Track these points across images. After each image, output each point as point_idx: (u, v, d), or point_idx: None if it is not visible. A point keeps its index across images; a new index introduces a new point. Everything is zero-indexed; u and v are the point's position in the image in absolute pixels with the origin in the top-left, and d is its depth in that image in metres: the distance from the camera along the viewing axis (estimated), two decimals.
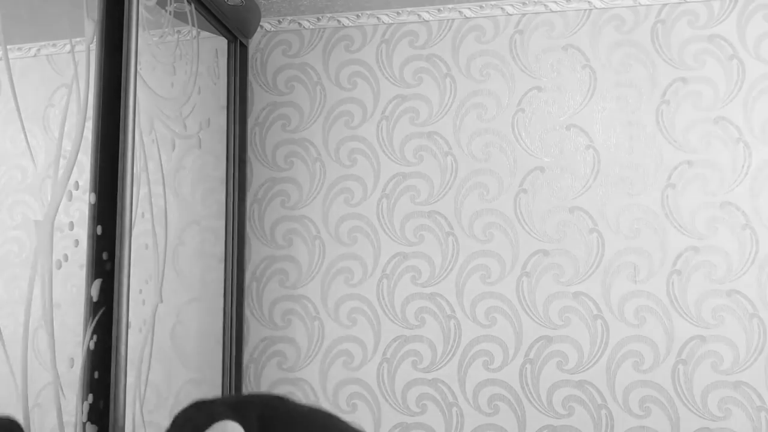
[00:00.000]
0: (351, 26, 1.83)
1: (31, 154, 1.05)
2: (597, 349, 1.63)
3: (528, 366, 1.66)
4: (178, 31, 1.53)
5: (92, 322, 1.12)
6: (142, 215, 1.33)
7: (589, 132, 1.70)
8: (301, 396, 1.74)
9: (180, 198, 1.56)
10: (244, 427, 0.77)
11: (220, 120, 1.73)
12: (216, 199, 1.71)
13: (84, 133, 1.14)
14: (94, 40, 1.18)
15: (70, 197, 1.09)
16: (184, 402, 1.64)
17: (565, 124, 1.71)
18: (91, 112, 1.16)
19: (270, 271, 1.78)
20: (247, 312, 1.77)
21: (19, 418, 1.00)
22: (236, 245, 1.72)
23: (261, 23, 1.85)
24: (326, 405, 1.73)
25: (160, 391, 1.49)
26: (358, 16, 1.82)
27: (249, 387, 1.74)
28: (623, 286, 1.63)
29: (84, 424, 1.09)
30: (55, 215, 1.06)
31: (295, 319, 1.75)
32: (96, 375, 1.12)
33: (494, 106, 1.74)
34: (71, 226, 1.11)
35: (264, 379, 1.74)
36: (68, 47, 1.17)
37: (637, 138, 1.68)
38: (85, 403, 1.10)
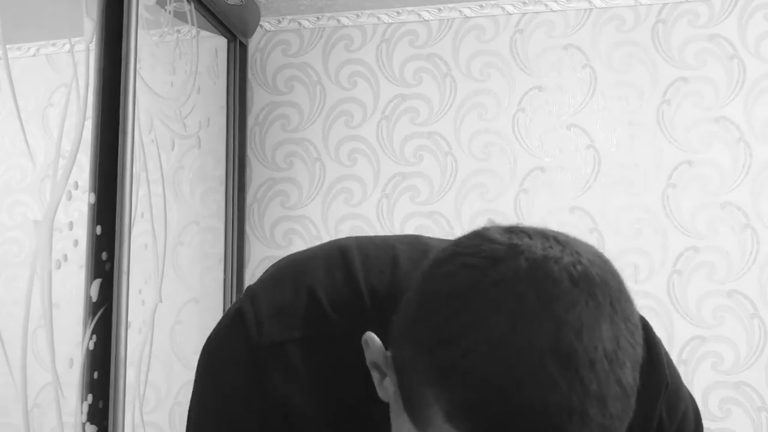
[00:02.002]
0: (351, 26, 1.83)
1: (31, 154, 1.05)
2: None
3: None
4: (178, 31, 1.53)
5: (91, 322, 1.12)
6: (142, 215, 1.33)
7: (590, 132, 1.69)
8: None
9: (179, 198, 1.55)
10: None
11: (220, 120, 1.73)
12: (215, 198, 1.71)
13: (83, 133, 1.14)
14: (94, 39, 1.18)
15: (70, 197, 1.09)
16: (184, 402, 1.64)
17: (565, 123, 1.71)
18: (90, 112, 1.16)
19: None
20: None
21: (19, 418, 0.99)
22: (236, 245, 1.72)
23: (261, 23, 1.84)
24: None
25: (160, 391, 1.49)
26: (358, 15, 1.82)
27: None
28: None
29: (83, 424, 1.09)
30: (55, 215, 1.06)
31: None
32: (95, 375, 1.12)
33: (494, 105, 1.74)
34: (70, 226, 1.10)
35: None
36: (67, 47, 1.17)
37: (637, 138, 1.67)
38: (85, 403, 1.10)
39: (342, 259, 0.62)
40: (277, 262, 0.67)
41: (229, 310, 0.63)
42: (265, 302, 0.60)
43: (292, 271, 0.63)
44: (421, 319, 0.47)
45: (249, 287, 0.63)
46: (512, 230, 0.49)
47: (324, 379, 0.57)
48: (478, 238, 0.48)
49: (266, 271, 0.66)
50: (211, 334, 0.63)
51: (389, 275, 0.60)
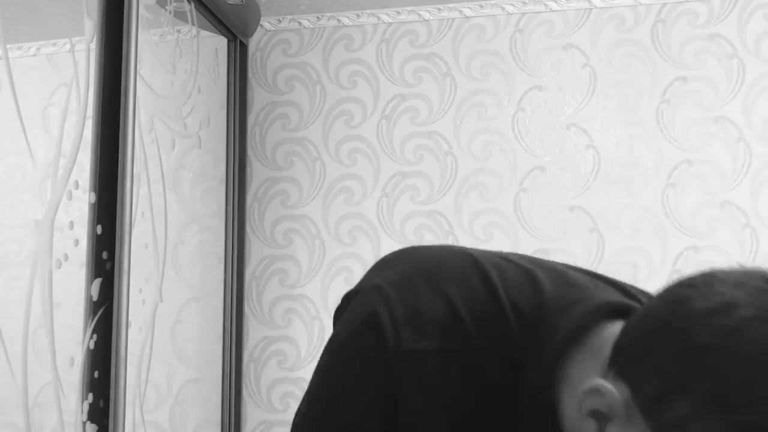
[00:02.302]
0: (351, 25, 1.83)
1: (31, 154, 1.05)
2: None
3: None
4: (178, 31, 1.53)
5: (92, 321, 1.12)
6: (142, 215, 1.33)
7: (589, 131, 1.70)
8: (299, 395, 1.74)
9: (180, 197, 1.56)
10: None
11: (220, 119, 1.73)
12: (216, 198, 1.71)
13: (84, 133, 1.14)
14: (94, 39, 1.18)
15: (70, 196, 1.09)
16: (185, 401, 1.64)
17: (565, 123, 1.71)
18: (91, 112, 1.16)
19: (270, 271, 1.78)
20: (247, 311, 1.77)
21: (20, 417, 1.00)
22: (236, 245, 1.72)
23: (261, 22, 1.84)
24: None
25: (160, 390, 1.49)
26: (358, 15, 1.82)
27: (249, 387, 1.74)
28: None
29: (84, 423, 1.09)
30: (55, 214, 1.06)
31: (296, 319, 1.76)
32: (96, 374, 1.12)
33: (494, 105, 1.74)
34: (71, 225, 1.11)
35: (264, 378, 1.75)
36: (68, 46, 1.17)
37: (637, 137, 1.68)
38: (85, 402, 1.10)
39: (476, 268, 0.58)
40: (397, 260, 0.62)
41: (358, 309, 0.58)
42: (400, 306, 0.56)
43: (425, 274, 0.58)
44: (716, 379, 0.46)
45: (375, 285, 0.58)
46: (756, 276, 0.49)
47: (459, 394, 0.54)
48: (744, 288, 0.47)
49: (385, 266, 0.61)
50: (339, 333, 0.59)
51: (532, 295, 0.56)
